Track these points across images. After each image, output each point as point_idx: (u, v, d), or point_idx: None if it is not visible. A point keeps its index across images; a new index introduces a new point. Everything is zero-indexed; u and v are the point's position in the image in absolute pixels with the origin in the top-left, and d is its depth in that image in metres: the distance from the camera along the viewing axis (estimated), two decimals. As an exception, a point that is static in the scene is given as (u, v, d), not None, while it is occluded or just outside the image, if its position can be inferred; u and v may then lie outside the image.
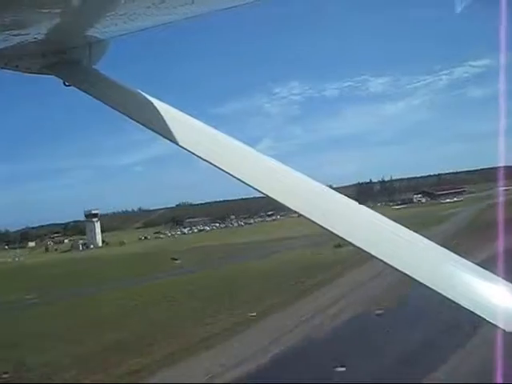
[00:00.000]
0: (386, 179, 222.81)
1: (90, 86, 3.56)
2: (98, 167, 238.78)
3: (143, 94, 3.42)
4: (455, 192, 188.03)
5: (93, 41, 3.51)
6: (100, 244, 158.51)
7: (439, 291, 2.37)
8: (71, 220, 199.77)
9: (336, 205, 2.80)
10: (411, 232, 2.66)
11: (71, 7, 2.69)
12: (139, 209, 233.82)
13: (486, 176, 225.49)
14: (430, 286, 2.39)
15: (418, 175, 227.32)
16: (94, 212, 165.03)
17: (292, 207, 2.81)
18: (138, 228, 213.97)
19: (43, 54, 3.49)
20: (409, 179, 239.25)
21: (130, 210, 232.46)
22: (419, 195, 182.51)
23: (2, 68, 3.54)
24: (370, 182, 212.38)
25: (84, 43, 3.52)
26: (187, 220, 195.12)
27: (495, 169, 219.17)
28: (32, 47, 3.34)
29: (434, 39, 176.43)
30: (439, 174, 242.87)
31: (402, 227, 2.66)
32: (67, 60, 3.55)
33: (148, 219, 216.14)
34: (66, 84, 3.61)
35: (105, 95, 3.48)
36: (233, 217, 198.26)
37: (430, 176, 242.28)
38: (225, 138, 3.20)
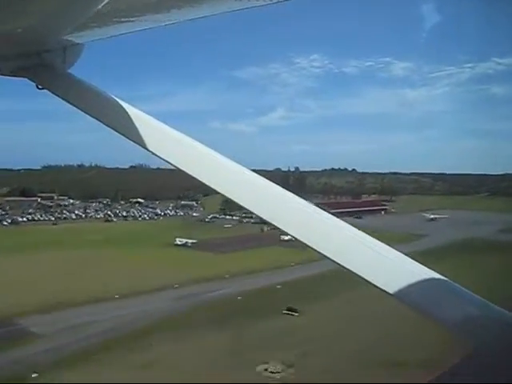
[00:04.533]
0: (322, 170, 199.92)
1: (64, 90, 3.51)
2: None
3: (116, 99, 3.37)
4: (362, 211, 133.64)
5: (68, 44, 3.46)
6: None
7: (330, 256, 2.56)
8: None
9: (265, 192, 2.94)
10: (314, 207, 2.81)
11: (46, 10, 2.67)
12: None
13: (461, 185, 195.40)
14: (322, 251, 2.58)
15: (382, 171, 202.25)
16: None
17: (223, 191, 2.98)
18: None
19: (16, 56, 3.46)
20: (358, 173, 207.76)
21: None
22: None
23: None
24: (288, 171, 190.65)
25: (59, 47, 3.46)
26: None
27: (482, 176, 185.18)
28: (4, 49, 3.35)
29: (463, 31, 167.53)
30: (399, 173, 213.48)
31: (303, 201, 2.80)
32: (41, 63, 3.47)
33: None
34: (39, 87, 3.51)
35: (78, 100, 3.44)
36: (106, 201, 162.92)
37: (390, 174, 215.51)
38: (197, 144, 3.14)
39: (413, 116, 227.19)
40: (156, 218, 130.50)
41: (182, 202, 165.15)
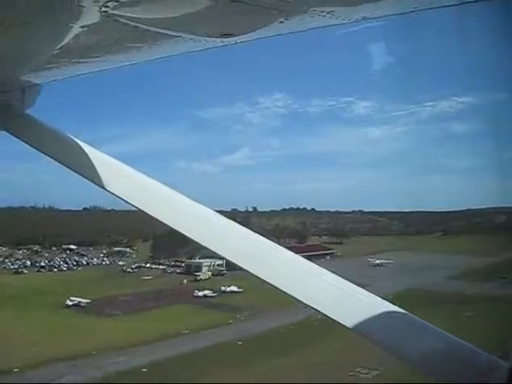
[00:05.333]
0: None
1: (22, 131, 3.46)
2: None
3: (76, 140, 3.34)
4: (305, 256, 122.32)
5: (26, 85, 3.42)
6: None
7: (288, 291, 2.61)
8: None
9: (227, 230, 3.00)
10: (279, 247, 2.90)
11: (3, 51, 2.69)
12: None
13: (417, 224, 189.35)
14: (279, 286, 2.63)
15: (343, 209, 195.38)
16: None
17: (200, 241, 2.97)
18: None
19: None
20: (316, 212, 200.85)
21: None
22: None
23: None
24: (246, 211, 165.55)
25: (17, 87, 3.43)
26: None
27: (440, 213, 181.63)
28: None
29: (422, 70, 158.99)
30: (361, 212, 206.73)
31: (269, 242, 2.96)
32: None
33: None
34: None
35: (37, 140, 3.39)
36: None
37: (349, 212, 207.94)
38: (152, 183, 3.18)
39: (375, 154, 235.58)
40: (75, 268, 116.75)
41: (115, 249, 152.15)
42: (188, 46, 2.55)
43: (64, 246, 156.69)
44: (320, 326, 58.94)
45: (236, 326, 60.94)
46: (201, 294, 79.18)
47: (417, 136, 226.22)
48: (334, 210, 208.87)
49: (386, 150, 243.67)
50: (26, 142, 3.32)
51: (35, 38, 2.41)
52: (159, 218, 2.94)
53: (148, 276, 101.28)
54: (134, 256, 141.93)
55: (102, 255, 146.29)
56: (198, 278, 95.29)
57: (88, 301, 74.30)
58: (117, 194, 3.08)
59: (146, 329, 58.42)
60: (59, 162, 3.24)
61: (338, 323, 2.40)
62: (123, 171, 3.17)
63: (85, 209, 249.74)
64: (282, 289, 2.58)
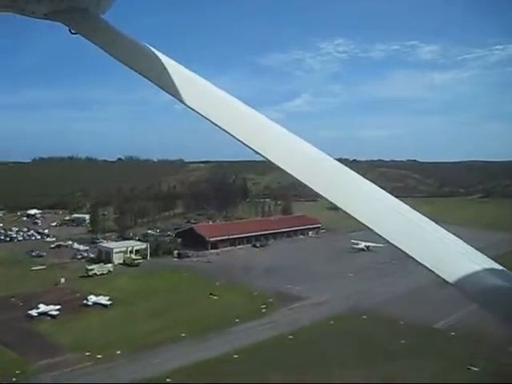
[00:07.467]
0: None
1: (97, 35, 3.37)
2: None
3: (149, 47, 3.24)
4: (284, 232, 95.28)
5: None
6: None
7: (403, 248, 2.54)
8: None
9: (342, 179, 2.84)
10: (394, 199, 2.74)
11: None
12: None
13: (453, 184, 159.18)
14: (396, 243, 2.55)
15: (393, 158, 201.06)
16: None
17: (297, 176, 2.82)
18: None
19: None
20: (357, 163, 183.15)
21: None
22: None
23: (5, 11, 3.33)
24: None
25: None
26: None
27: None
28: None
29: (491, 12, 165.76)
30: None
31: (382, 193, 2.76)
32: (75, 7, 3.39)
33: None
34: (72, 32, 3.42)
35: (111, 45, 3.30)
36: None
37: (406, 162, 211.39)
38: (229, 98, 3.03)
39: (440, 100, 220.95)
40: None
41: (74, 216, 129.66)
42: None
43: (29, 211, 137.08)
44: None
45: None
46: (37, 311, 52.03)
47: (483, 81, 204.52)
48: (389, 159, 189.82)
49: (450, 96, 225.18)
50: (100, 46, 3.17)
51: None
52: (233, 133, 2.78)
53: (41, 266, 76.11)
54: (88, 225, 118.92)
55: (54, 224, 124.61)
56: (91, 273, 69.20)
57: None
58: (194, 107, 2.92)
59: None
60: (133, 68, 3.07)
61: (440, 277, 2.40)
62: (203, 85, 2.98)
63: (119, 159, 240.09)
64: (387, 238, 2.48)
